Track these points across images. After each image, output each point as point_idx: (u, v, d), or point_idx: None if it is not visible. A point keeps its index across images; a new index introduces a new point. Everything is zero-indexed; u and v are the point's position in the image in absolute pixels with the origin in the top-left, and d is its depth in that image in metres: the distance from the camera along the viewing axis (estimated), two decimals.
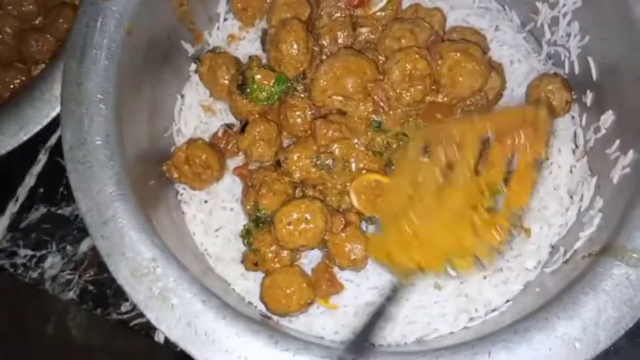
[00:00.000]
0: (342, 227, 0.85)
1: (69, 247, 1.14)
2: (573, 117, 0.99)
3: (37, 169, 1.20)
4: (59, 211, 1.16)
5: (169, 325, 0.68)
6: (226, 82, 0.97)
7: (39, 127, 1.07)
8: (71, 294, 1.13)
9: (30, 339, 1.25)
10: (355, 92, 0.89)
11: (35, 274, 1.14)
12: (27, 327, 1.26)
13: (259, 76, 0.92)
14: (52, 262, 1.14)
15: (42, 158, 1.20)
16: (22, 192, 1.19)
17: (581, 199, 0.91)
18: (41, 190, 1.18)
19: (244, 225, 0.92)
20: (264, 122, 0.94)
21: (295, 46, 0.91)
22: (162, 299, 0.69)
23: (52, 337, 1.26)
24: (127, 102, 0.86)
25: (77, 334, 1.29)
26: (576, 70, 0.97)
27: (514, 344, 0.67)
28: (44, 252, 1.15)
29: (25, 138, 1.07)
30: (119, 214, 0.74)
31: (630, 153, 0.81)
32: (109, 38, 0.83)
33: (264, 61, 0.98)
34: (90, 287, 1.12)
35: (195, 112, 1.04)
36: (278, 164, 0.92)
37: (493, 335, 0.69)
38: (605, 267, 0.71)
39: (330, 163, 0.89)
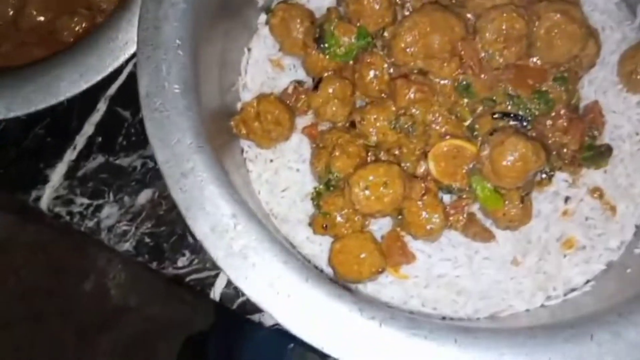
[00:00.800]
0: (422, 193, 0.81)
1: (126, 198, 1.12)
2: None
3: (95, 118, 1.17)
4: (117, 161, 1.14)
5: (250, 285, 0.66)
6: (300, 35, 0.93)
7: (100, 76, 1.05)
8: (127, 245, 1.11)
9: (66, 294, 1.25)
10: (441, 50, 0.83)
11: (91, 223, 1.13)
12: (65, 281, 1.26)
13: (339, 30, 0.87)
14: (109, 212, 1.13)
15: (102, 107, 1.17)
16: (80, 141, 1.17)
17: None
18: (99, 139, 1.15)
19: (314, 188, 0.89)
20: (339, 79, 0.89)
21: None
22: (243, 257, 0.67)
23: (88, 294, 1.25)
24: (202, 51, 0.82)
25: (115, 293, 1.29)
26: None
27: (620, 327, 0.62)
28: (100, 201, 1.13)
29: (85, 86, 1.05)
30: (198, 166, 0.71)
31: None
32: None
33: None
34: (147, 240, 1.10)
35: (263, 67, 1.00)
36: (352, 125, 0.88)
37: (595, 316, 0.65)
38: None
39: (409, 126, 0.85)
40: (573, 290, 0.85)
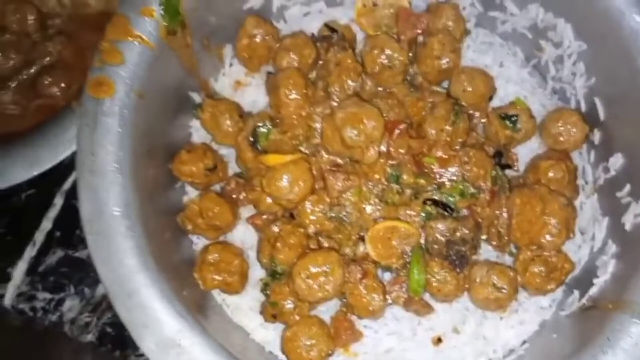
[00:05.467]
0: (360, 277, 0.87)
1: (86, 290, 1.15)
2: (581, 153, 0.99)
3: (53, 213, 1.19)
4: (76, 254, 1.17)
5: None
6: (230, 128, 0.98)
7: (51, 164, 1.09)
8: (90, 337, 1.13)
9: None
10: (356, 142, 0.88)
11: (54, 317, 1.15)
12: None
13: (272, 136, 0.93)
14: (71, 305, 1.15)
15: (58, 202, 1.20)
16: (40, 236, 1.19)
17: (593, 238, 0.92)
18: (58, 233, 1.18)
19: (261, 279, 0.93)
20: None
21: (293, 92, 0.92)
22: None
23: None
24: (141, 162, 0.87)
25: None
26: (583, 108, 0.98)
27: None
28: (62, 295, 1.15)
29: (35, 173, 1.09)
30: (141, 285, 0.75)
31: None
32: (120, 105, 0.83)
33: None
34: (109, 330, 1.12)
35: None
36: (292, 216, 0.93)
37: None
38: (623, 324, 0.72)
39: (344, 215, 0.90)
40: (511, 351, 0.90)
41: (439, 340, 0.91)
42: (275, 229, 0.92)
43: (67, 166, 1.18)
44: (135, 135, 0.84)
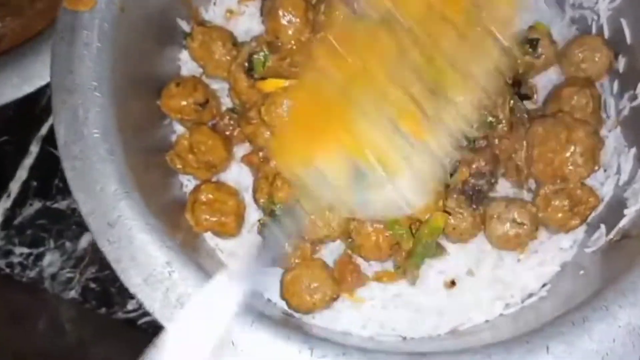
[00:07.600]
0: None
1: (67, 244, 1.09)
2: (602, 85, 0.92)
3: (29, 161, 1.13)
4: (55, 205, 1.10)
5: None
6: (222, 57, 0.90)
7: (44, 82, 0.99)
8: (73, 293, 1.07)
9: (21, 338, 1.18)
10: None
11: (33, 273, 1.08)
12: (20, 325, 1.20)
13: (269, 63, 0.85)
14: (51, 260, 1.09)
15: (34, 150, 1.13)
16: (15, 187, 1.13)
17: (618, 172, 0.85)
18: (35, 184, 1.12)
19: (258, 220, 0.86)
20: None
21: (293, 15, 0.85)
22: (181, 307, 0.63)
23: (41, 334, 1.19)
24: (123, 88, 0.79)
25: (70, 328, 1.22)
26: (606, 34, 0.91)
27: (573, 337, 0.61)
28: (41, 249, 1.09)
29: (29, 90, 1.00)
30: (125, 214, 0.67)
31: None
32: (100, 17, 0.75)
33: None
34: (93, 285, 1.06)
35: None
36: None
37: (548, 327, 0.64)
38: None
39: None
40: (531, 295, 0.84)
41: (453, 283, 0.84)
42: (273, 165, 0.84)
43: (43, 110, 1.12)
44: (115, 53, 0.76)
